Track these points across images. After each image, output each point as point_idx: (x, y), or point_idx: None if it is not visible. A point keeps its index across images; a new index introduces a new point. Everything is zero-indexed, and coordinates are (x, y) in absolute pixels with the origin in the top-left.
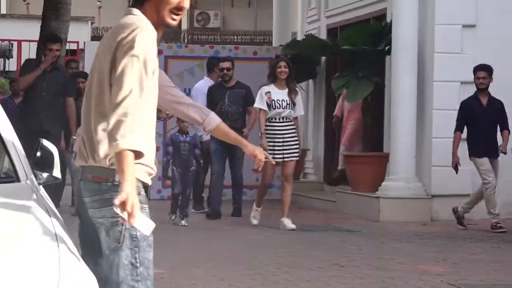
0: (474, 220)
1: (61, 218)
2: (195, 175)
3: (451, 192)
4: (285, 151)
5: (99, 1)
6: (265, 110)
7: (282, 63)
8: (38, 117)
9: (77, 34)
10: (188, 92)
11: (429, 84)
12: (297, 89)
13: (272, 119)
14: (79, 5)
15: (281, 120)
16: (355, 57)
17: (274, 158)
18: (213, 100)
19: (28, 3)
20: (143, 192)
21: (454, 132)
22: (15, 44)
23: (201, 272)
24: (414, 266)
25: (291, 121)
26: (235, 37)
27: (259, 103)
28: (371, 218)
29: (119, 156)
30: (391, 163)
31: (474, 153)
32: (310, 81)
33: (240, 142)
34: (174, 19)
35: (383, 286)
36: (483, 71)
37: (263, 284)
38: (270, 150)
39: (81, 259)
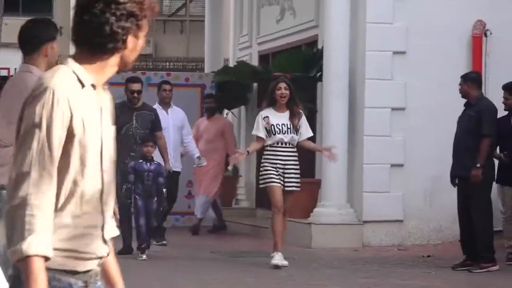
0: (404, 246)
1: None
2: (158, 205)
3: (382, 218)
4: (286, 179)
5: None
6: (261, 137)
7: (283, 85)
8: None
9: (8, 61)
10: None
11: (360, 110)
12: (300, 111)
13: (273, 144)
14: (9, 31)
15: (283, 145)
16: None
17: (278, 182)
18: (117, 122)
19: None
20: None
21: None
22: None
23: None
24: None
25: (293, 148)
26: (167, 63)
27: (256, 129)
28: (303, 244)
29: (21, 264)
30: (323, 189)
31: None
32: (242, 107)
33: None
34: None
35: None
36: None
37: None
38: (274, 174)
39: None
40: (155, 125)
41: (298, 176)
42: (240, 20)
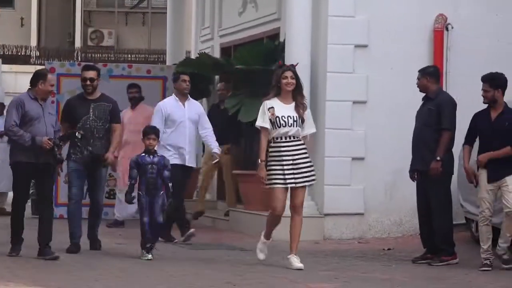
0: (365, 239)
1: None
2: (164, 200)
3: (343, 211)
4: (296, 175)
5: None
6: (267, 129)
7: (289, 73)
8: None
9: None
10: None
11: (322, 104)
12: (305, 102)
13: (277, 138)
14: None
15: (288, 139)
16: (248, 76)
17: (285, 183)
18: (74, 114)
19: None
20: None
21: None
22: None
23: None
24: (306, 284)
25: (299, 140)
26: (129, 55)
27: (263, 120)
28: None
29: None
30: None
31: None
32: (204, 100)
33: None
34: None
35: None
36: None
37: None
38: (279, 174)
39: None
40: (113, 116)
41: (310, 169)
42: (202, 12)
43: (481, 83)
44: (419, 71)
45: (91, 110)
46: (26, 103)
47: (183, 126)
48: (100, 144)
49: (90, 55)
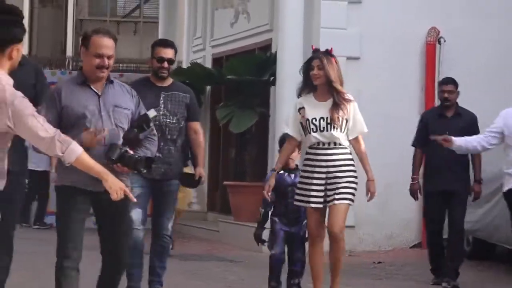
0: (356, 252)
1: None
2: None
3: None
4: (328, 191)
5: None
6: (294, 138)
7: (315, 62)
8: None
9: None
10: None
11: None
12: (346, 97)
13: (311, 146)
14: None
15: (324, 146)
16: (240, 87)
17: (308, 202)
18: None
19: None
20: None
21: None
22: None
23: None
24: None
25: (342, 147)
26: (120, 64)
27: (286, 125)
28: (254, 248)
29: None
30: None
31: None
32: None
33: (101, 176)
34: None
35: None
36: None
37: None
38: (307, 190)
39: None
40: (192, 111)
41: (347, 185)
42: (194, 22)
43: (476, 97)
44: (451, 82)
45: (161, 101)
46: (65, 92)
47: None
48: (174, 148)
49: (81, 63)
